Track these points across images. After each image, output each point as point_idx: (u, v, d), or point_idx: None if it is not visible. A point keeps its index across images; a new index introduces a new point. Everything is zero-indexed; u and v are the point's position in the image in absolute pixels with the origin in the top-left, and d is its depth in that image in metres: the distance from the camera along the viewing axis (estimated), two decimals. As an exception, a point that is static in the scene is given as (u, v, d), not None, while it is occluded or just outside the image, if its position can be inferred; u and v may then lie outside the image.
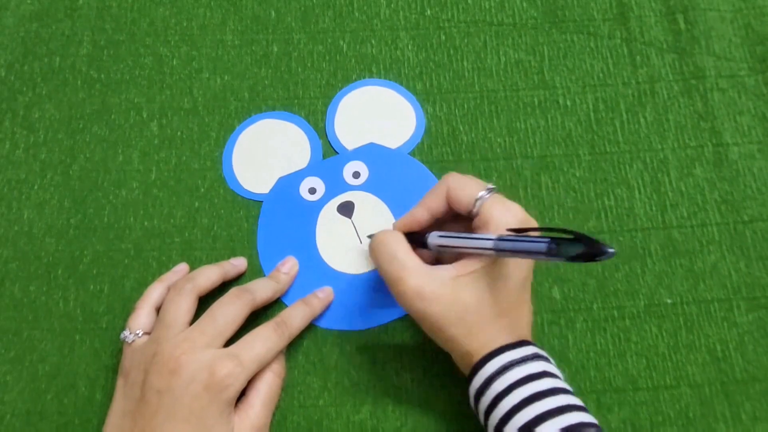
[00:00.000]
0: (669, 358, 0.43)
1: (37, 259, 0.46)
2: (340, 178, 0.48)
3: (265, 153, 0.49)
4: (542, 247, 0.30)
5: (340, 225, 0.47)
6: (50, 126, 0.50)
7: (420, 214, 0.40)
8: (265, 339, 0.39)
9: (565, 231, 0.30)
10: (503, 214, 0.36)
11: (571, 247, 0.29)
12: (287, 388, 0.42)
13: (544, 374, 0.34)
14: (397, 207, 0.47)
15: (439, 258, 0.41)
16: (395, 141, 0.49)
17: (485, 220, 0.36)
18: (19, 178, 0.49)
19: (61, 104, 0.51)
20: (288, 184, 0.48)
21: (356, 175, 0.48)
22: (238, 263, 0.45)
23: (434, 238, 0.38)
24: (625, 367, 0.43)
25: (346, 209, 0.47)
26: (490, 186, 0.38)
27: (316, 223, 0.47)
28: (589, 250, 0.28)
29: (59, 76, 0.52)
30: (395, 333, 0.44)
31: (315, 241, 0.46)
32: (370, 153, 0.48)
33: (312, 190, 0.47)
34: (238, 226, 0.47)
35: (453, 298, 0.35)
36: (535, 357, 0.35)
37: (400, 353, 0.43)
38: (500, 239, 0.33)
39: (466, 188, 0.38)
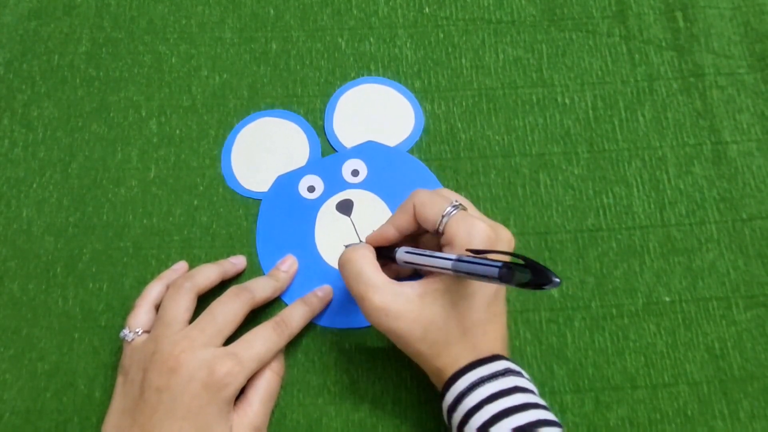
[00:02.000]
0: (667, 356, 0.43)
1: (36, 258, 0.46)
2: (339, 176, 0.48)
3: (263, 151, 0.49)
4: (494, 272, 0.30)
5: (339, 223, 0.47)
6: (49, 124, 0.50)
7: (388, 231, 0.39)
8: (265, 338, 0.39)
9: (519, 257, 0.30)
10: (467, 233, 0.35)
11: (522, 274, 0.29)
12: (287, 386, 0.43)
13: (515, 389, 0.34)
14: (395, 205, 0.47)
15: (417, 271, 0.41)
16: (394, 139, 0.49)
17: (449, 238, 0.36)
18: (17, 177, 0.49)
19: (60, 102, 0.51)
20: (287, 182, 0.48)
21: (355, 173, 0.48)
22: (238, 262, 0.45)
23: (401, 254, 0.38)
24: (624, 365, 0.43)
25: (345, 207, 0.47)
26: (456, 202, 0.37)
27: (315, 222, 0.47)
28: (535, 278, 0.29)
29: (58, 74, 0.52)
30: (394, 331, 0.44)
31: (314, 239, 0.46)
32: (369, 151, 0.48)
33: (311, 189, 0.48)
34: (237, 225, 0.47)
35: (418, 315, 0.36)
36: (506, 372, 0.35)
37: (400, 351, 0.43)
38: (458, 260, 0.33)
39: (432, 206, 0.37)
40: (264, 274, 0.45)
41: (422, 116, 0.49)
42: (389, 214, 0.47)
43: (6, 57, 0.52)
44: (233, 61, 0.52)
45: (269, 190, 0.48)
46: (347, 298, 0.45)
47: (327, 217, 0.47)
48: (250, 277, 0.45)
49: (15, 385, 0.43)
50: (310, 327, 0.44)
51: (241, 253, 0.46)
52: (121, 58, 0.52)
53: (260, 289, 0.42)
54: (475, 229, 0.35)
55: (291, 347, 0.43)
